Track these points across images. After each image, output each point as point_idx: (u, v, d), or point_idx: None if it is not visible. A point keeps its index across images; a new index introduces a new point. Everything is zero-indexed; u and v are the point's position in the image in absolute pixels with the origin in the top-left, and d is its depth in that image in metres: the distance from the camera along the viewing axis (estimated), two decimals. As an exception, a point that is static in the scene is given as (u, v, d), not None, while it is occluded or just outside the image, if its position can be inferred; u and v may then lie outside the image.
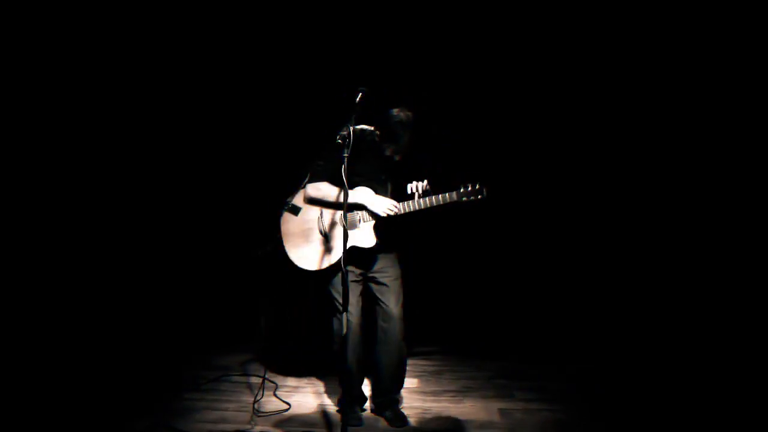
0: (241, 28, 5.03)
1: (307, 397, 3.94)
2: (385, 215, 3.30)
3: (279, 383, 4.13)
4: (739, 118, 4.61)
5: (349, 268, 3.37)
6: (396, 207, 3.29)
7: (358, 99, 3.06)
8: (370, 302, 3.48)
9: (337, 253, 3.34)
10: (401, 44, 4.89)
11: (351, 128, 2.99)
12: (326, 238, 3.38)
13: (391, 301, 3.40)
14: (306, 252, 3.42)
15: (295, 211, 3.44)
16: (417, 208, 3.27)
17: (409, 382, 4.01)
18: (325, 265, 3.38)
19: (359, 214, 3.37)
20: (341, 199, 3.25)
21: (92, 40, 4.95)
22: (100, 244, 5.16)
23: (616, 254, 5.07)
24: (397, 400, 3.63)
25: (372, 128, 3.39)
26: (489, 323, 5.21)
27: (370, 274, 3.46)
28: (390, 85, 4.43)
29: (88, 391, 3.97)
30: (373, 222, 3.36)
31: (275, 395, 3.90)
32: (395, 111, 3.28)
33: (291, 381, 4.21)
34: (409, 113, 3.27)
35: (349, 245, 3.30)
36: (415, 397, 3.91)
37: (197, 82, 5.16)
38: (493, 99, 5.05)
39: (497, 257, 5.22)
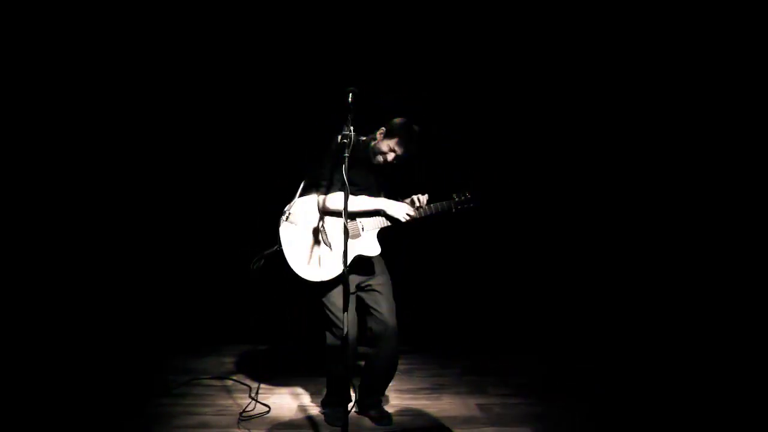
0: (242, 33, 5.00)
1: (284, 398, 3.91)
2: (404, 220, 3.34)
3: (252, 385, 4.09)
4: (739, 117, 4.66)
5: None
6: (413, 213, 3.35)
7: (350, 99, 3.04)
8: (363, 310, 3.48)
9: (340, 263, 3.26)
10: (400, 44, 4.91)
11: (351, 129, 2.98)
12: (329, 247, 3.34)
13: (385, 308, 3.40)
14: (308, 262, 3.35)
15: (295, 220, 3.39)
16: (426, 214, 3.36)
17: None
18: (328, 275, 3.33)
19: (361, 223, 3.38)
20: (356, 209, 3.34)
21: (90, 40, 4.86)
22: (78, 242, 5.02)
23: (582, 247, 5.23)
24: (381, 400, 3.66)
25: (364, 137, 3.43)
26: (449, 321, 5.34)
27: (364, 284, 3.46)
28: (389, 85, 4.50)
29: (55, 398, 3.79)
30: (377, 230, 3.39)
31: (252, 398, 3.85)
32: (397, 120, 3.34)
33: (264, 383, 4.17)
34: (412, 125, 3.34)
35: (354, 254, 3.33)
36: (392, 395, 3.94)
37: (196, 84, 5.10)
38: (491, 99, 5.12)
39: (465, 255, 5.33)
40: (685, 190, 4.93)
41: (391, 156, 3.34)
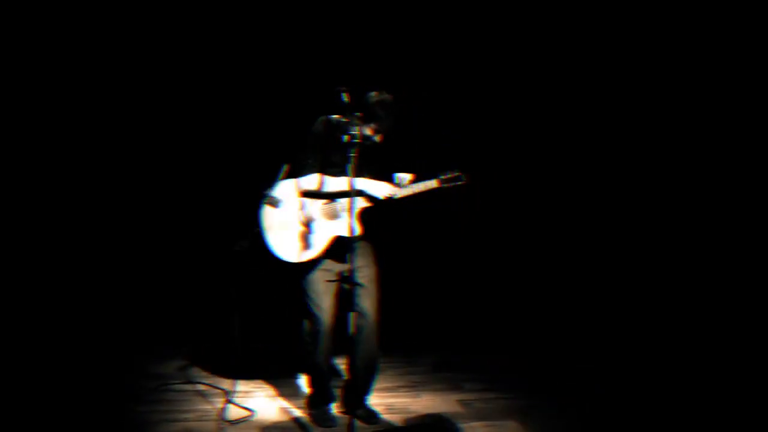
0: (225, 22, 4.89)
1: (264, 400, 3.85)
2: (384, 198, 3.32)
3: (226, 389, 3.99)
4: (738, 116, 4.74)
5: (327, 266, 3.39)
6: (392, 191, 3.32)
7: (344, 98, 3.09)
8: (346, 303, 3.43)
9: (320, 243, 3.32)
10: (394, 41, 4.93)
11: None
12: (309, 228, 3.35)
13: (367, 302, 3.40)
14: (288, 243, 3.36)
15: (275, 203, 3.37)
16: (408, 193, 3.32)
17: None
18: (308, 255, 3.33)
19: (341, 204, 3.36)
20: (334, 189, 3.31)
21: (67, 34, 4.72)
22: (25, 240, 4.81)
23: (551, 242, 5.38)
24: (366, 399, 3.65)
25: (346, 119, 3.37)
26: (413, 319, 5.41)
27: (346, 273, 3.39)
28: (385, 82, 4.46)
29: (20, 408, 3.57)
30: (357, 210, 3.35)
31: (232, 402, 3.77)
32: (374, 93, 3.33)
33: (240, 385, 4.08)
34: (388, 95, 3.33)
35: (333, 234, 3.32)
36: (380, 393, 3.94)
37: (173, 75, 4.96)
38: (487, 97, 5.18)
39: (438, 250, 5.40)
40: (682, 187, 5.01)
41: (379, 137, 3.34)
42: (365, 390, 3.59)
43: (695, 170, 5.01)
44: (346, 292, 3.42)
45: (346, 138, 3.14)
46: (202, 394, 3.93)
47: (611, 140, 5.22)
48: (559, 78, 5.21)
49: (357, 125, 3.24)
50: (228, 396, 3.83)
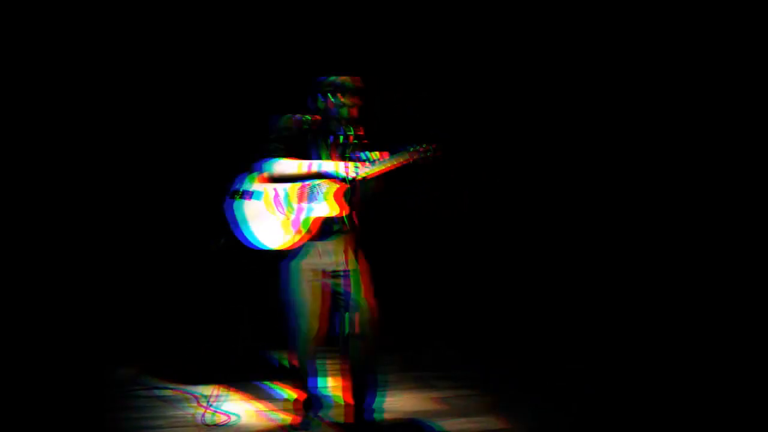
0: (199, 22, 4.78)
1: (243, 405, 3.73)
2: (351, 177, 3.20)
3: (198, 394, 3.85)
4: (738, 117, 4.70)
5: (308, 265, 3.31)
6: (363, 169, 3.21)
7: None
8: (336, 302, 3.35)
9: (299, 226, 3.24)
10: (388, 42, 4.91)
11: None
12: (286, 214, 3.27)
13: (360, 291, 3.26)
14: (266, 232, 3.27)
15: (248, 195, 3.30)
16: (379, 168, 3.18)
17: (333, 381, 4.04)
18: (289, 239, 3.25)
19: (317, 186, 3.29)
20: (301, 171, 3.24)
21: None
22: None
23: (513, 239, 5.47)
24: (372, 405, 3.44)
25: (314, 118, 3.39)
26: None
27: (331, 269, 3.33)
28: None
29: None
30: (332, 190, 3.28)
31: (209, 406, 3.64)
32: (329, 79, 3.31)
33: (212, 390, 3.94)
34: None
35: (312, 215, 3.25)
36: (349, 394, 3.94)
37: (139, 71, 4.80)
38: (482, 96, 5.19)
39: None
40: (665, 184, 4.96)
41: (348, 110, 3.28)
42: (366, 394, 3.39)
43: (686, 167, 4.96)
44: (335, 289, 3.34)
45: (341, 138, 3.15)
46: (174, 400, 3.77)
47: (603, 138, 5.20)
48: (556, 76, 5.24)
49: (332, 114, 3.26)
50: (207, 401, 3.71)
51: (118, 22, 4.71)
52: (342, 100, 3.27)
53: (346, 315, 3.11)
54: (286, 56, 4.85)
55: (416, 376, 4.33)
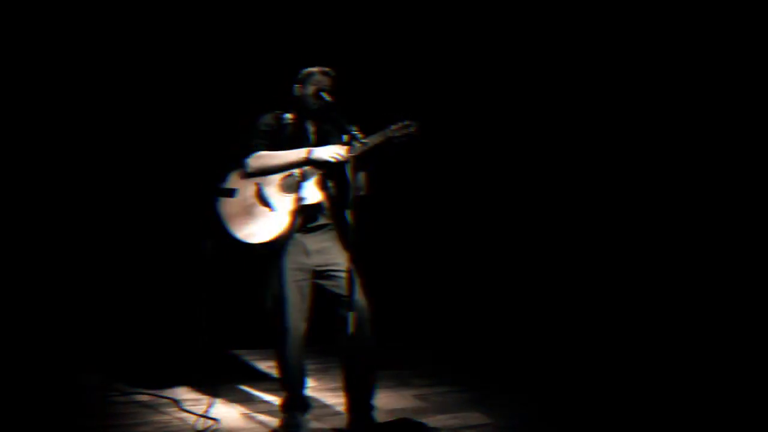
0: (180, 20, 4.72)
1: (226, 408, 3.70)
2: (334, 161, 3.25)
3: (177, 398, 3.80)
4: (738, 116, 4.63)
5: (295, 265, 3.31)
6: (341, 150, 3.24)
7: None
8: (328, 303, 3.38)
9: (286, 216, 3.26)
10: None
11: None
12: (271, 207, 3.29)
13: (357, 290, 3.25)
14: (253, 228, 3.28)
15: (231, 193, 3.33)
16: (360, 150, 3.19)
17: (313, 382, 4.09)
18: (277, 231, 3.26)
19: (296, 176, 3.32)
20: (283, 161, 3.29)
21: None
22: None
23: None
24: (372, 404, 3.45)
25: (289, 115, 3.45)
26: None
27: (320, 268, 3.35)
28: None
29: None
30: (313, 178, 3.32)
31: (186, 410, 3.60)
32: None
33: (188, 394, 3.90)
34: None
35: (297, 205, 3.27)
36: (328, 395, 3.97)
37: (129, 73, 4.73)
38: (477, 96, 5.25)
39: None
40: (659, 181, 4.94)
41: (327, 98, 3.31)
42: (369, 394, 3.41)
43: (684, 166, 4.90)
44: (328, 289, 3.35)
45: (346, 138, 3.16)
46: (150, 406, 3.70)
47: (602, 138, 5.20)
48: (553, 74, 5.28)
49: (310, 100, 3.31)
50: (179, 404, 3.67)
51: (104, 20, 4.66)
52: (320, 88, 3.32)
53: (348, 315, 3.09)
54: (274, 55, 4.84)
55: (392, 374, 4.37)
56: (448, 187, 5.56)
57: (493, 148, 5.55)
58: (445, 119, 5.22)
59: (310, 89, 3.35)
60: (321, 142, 3.39)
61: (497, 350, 5.02)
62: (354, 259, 3.11)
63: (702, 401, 3.91)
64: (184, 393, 3.91)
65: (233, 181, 3.36)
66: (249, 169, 3.32)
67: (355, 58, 4.63)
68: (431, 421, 3.57)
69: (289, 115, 3.43)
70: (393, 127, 3.25)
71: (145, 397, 3.82)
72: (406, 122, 3.25)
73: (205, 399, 3.78)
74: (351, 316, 3.13)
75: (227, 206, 3.33)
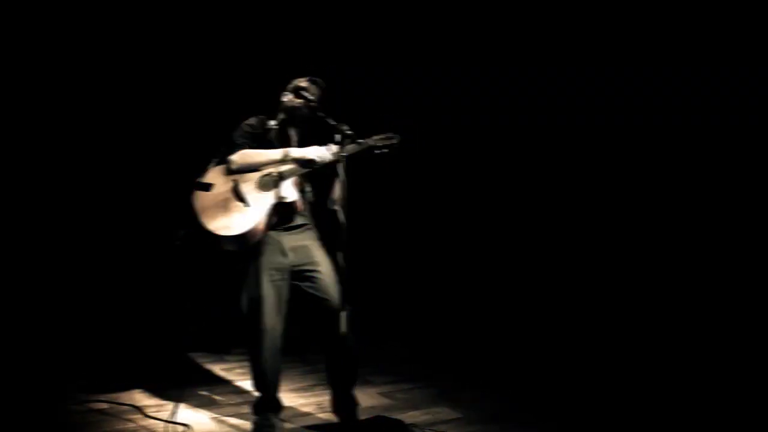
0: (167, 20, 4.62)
1: (190, 414, 3.57)
2: (319, 160, 3.27)
3: (137, 404, 3.64)
4: (737, 115, 4.58)
5: (271, 264, 3.28)
6: (327, 152, 3.27)
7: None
8: (306, 304, 3.35)
9: (260, 212, 3.24)
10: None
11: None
12: (246, 202, 3.27)
13: (331, 293, 3.27)
14: (226, 220, 3.25)
15: (206, 187, 3.30)
16: (344, 153, 3.16)
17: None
18: (250, 224, 3.23)
19: (277, 173, 3.30)
20: (267, 159, 3.30)
21: None
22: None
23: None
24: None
25: (274, 121, 3.44)
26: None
27: (296, 268, 3.32)
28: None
29: None
30: (294, 177, 3.31)
31: (151, 417, 3.46)
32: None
33: (148, 400, 3.74)
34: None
35: (273, 202, 3.26)
36: (292, 395, 3.94)
37: (103, 69, 4.63)
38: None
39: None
40: (638, 181, 4.98)
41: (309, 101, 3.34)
42: (351, 386, 3.46)
43: (683, 165, 4.89)
44: (305, 290, 3.32)
45: (338, 135, 3.13)
46: (109, 414, 3.53)
47: (600, 137, 5.21)
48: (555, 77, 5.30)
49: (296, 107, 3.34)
50: (142, 411, 3.52)
51: (91, 20, 4.59)
52: (307, 97, 3.33)
53: (334, 314, 3.09)
54: (259, 56, 4.82)
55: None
56: (422, 184, 5.62)
57: (483, 146, 5.64)
58: (443, 119, 5.38)
59: (298, 99, 3.35)
60: (303, 147, 3.39)
61: (454, 346, 5.14)
62: (346, 257, 3.07)
63: (689, 398, 3.98)
64: (143, 399, 3.76)
65: (211, 176, 3.34)
66: (233, 166, 3.31)
67: (343, 65, 4.73)
68: (403, 417, 3.61)
69: (273, 121, 3.43)
70: (376, 137, 3.32)
71: (102, 405, 3.64)
72: (390, 134, 3.33)
73: (166, 404, 3.66)
74: (331, 317, 3.16)
75: (202, 199, 3.30)
